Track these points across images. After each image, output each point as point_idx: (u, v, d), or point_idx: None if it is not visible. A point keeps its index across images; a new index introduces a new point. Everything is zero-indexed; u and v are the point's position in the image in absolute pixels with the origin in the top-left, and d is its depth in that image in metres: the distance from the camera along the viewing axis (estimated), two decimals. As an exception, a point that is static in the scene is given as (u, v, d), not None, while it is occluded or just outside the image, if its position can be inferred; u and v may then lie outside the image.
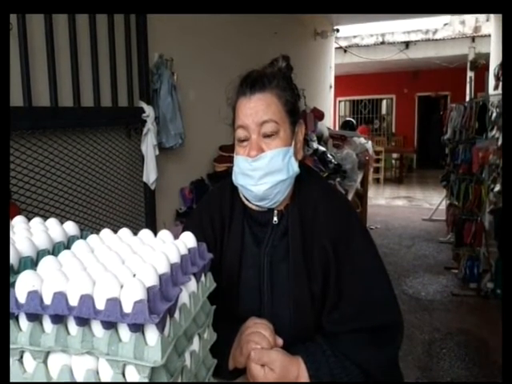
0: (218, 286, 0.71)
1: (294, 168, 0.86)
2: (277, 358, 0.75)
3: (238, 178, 0.87)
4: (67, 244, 0.71)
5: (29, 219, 0.76)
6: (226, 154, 2.73)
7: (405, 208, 7.24)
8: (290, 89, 0.88)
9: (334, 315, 0.84)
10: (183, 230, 0.87)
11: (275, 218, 0.90)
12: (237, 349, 0.78)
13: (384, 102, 12.57)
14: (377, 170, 9.84)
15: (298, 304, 0.86)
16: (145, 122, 1.98)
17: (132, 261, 0.57)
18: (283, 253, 0.88)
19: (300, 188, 0.91)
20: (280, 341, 0.79)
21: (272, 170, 0.83)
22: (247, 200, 0.91)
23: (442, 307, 3.40)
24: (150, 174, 2.02)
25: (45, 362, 0.52)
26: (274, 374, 0.74)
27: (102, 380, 0.51)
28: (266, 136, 0.84)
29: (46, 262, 0.57)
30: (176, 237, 0.71)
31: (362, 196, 5.11)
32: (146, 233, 0.70)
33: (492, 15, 6.59)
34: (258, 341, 0.75)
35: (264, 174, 0.83)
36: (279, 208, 0.90)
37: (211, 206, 0.95)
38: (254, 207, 0.90)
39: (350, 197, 3.68)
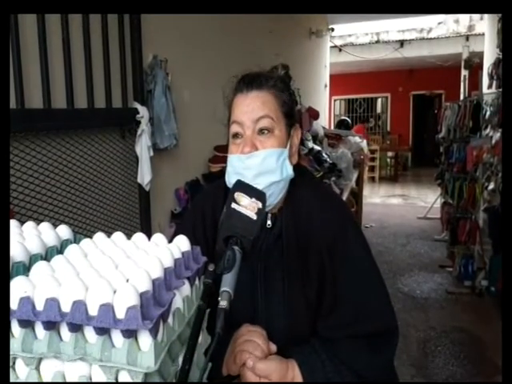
0: None
1: (288, 171, 0.85)
2: (274, 369, 0.74)
3: (230, 178, 0.86)
4: (60, 248, 0.70)
5: (22, 222, 0.75)
6: (221, 154, 2.73)
7: (400, 206, 7.28)
8: (288, 92, 0.88)
9: (329, 321, 0.84)
10: (176, 233, 0.87)
11: (269, 222, 0.89)
12: (230, 356, 0.77)
13: (379, 101, 12.61)
14: (372, 169, 9.87)
15: (292, 309, 0.85)
16: (139, 123, 1.97)
17: (125, 266, 0.57)
18: (277, 256, 0.86)
19: (294, 191, 0.90)
20: (274, 347, 0.78)
21: (265, 170, 0.82)
22: None
23: (436, 305, 3.42)
24: (144, 175, 2.02)
25: (37, 368, 0.52)
26: (270, 381, 0.74)
27: (96, 386, 0.50)
28: (261, 133, 0.83)
29: (39, 267, 0.56)
30: (170, 238, 0.71)
31: (357, 195, 5.13)
32: (139, 236, 0.70)
33: (486, 14, 6.62)
34: (252, 350, 0.74)
35: (257, 173, 0.82)
36: (273, 211, 0.89)
37: (204, 208, 0.94)
38: None
39: (345, 196, 3.70)
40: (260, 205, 0.68)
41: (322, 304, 0.84)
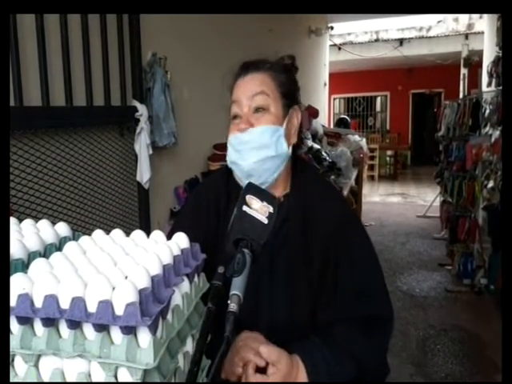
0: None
1: (284, 148, 0.87)
2: (284, 359, 0.73)
3: (230, 156, 0.89)
4: (59, 245, 0.70)
5: (20, 220, 0.75)
6: (221, 152, 2.72)
7: (399, 205, 7.28)
8: (286, 74, 0.91)
9: (328, 303, 0.86)
10: (178, 219, 0.93)
11: None
12: (230, 364, 0.76)
13: (378, 99, 12.60)
14: (371, 167, 9.87)
15: (294, 292, 0.87)
16: (138, 120, 1.97)
17: (124, 262, 0.57)
18: (282, 240, 0.88)
19: (299, 178, 0.93)
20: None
21: (259, 144, 0.85)
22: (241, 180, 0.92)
23: (436, 303, 3.43)
24: (143, 174, 2.01)
25: (36, 365, 0.52)
26: (278, 374, 0.73)
27: None
28: (256, 111, 0.86)
29: (37, 264, 0.56)
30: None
31: (356, 193, 5.12)
32: (138, 234, 0.70)
33: (485, 14, 6.61)
34: (252, 357, 0.74)
35: (252, 147, 0.85)
36: (277, 195, 0.90)
37: (207, 195, 0.96)
38: None
39: (344, 194, 3.70)
40: (271, 209, 0.69)
41: (323, 287, 0.86)
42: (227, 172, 0.94)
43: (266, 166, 0.86)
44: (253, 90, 0.86)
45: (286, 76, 0.91)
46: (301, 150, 3.58)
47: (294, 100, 0.93)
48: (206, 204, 0.94)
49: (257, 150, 0.85)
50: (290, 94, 0.91)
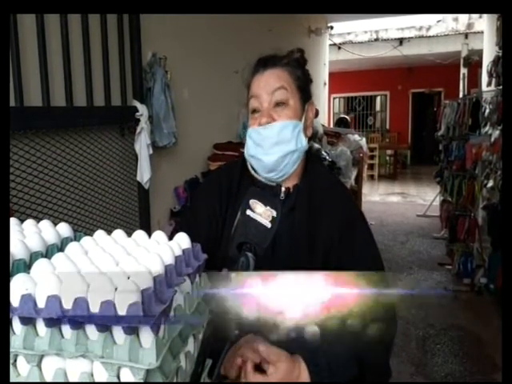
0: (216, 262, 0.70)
1: (303, 142, 0.90)
2: (283, 359, 0.73)
3: (249, 149, 0.90)
4: (61, 246, 0.70)
5: (21, 221, 0.75)
6: (220, 152, 2.72)
7: (399, 204, 7.28)
8: (301, 69, 0.94)
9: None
10: (192, 202, 0.92)
11: (282, 195, 0.91)
12: (231, 357, 0.75)
13: (378, 99, 12.60)
14: (371, 167, 9.86)
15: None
16: (138, 120, 1.97)
17: (126, 263, 0.57)
18: (287, 228, 0.88)
19: (310, 170, 0.95)
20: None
21: (282, 139, 0.86)
22: (255, 172, 0.92)
23: (436, 303, 3.43)
24: (143, 173, 2.02)
25: (39, 365, 0.52)
26: (278, 374, 0.72)
27: None
28: (277, 105, 0.88)
29: (40, 264, 0.56)
30: (171, 236, 0.71)
31: (356, 193, 5.13)
32: (140, 234, 0.70)
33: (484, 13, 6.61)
34: (250, 355, 0.73)
35: (274, 142, 0.86)
36: (287, 185, 0.92)
37: (220, 179, 0.97)
38: (262, 179, 0.92)
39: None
40: (274, 213, 0.70)
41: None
42: (243, 164, 0.95)
43: (287, 160, 0.88)
44: (273, 85, 0.88)
45: (302, 71, 0.94)
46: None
47: (309, 94, 0.96)
48: (219, 188, 0.95)
49: (278, 146, 0.86)
50: (305, 88, 0.93)
